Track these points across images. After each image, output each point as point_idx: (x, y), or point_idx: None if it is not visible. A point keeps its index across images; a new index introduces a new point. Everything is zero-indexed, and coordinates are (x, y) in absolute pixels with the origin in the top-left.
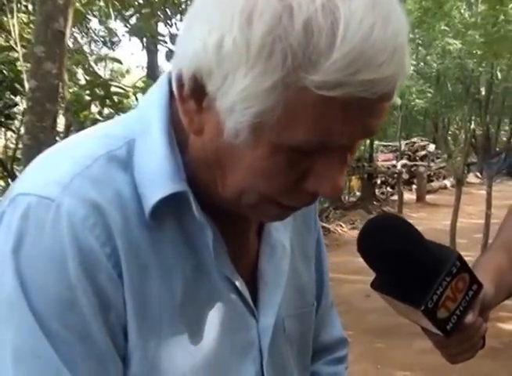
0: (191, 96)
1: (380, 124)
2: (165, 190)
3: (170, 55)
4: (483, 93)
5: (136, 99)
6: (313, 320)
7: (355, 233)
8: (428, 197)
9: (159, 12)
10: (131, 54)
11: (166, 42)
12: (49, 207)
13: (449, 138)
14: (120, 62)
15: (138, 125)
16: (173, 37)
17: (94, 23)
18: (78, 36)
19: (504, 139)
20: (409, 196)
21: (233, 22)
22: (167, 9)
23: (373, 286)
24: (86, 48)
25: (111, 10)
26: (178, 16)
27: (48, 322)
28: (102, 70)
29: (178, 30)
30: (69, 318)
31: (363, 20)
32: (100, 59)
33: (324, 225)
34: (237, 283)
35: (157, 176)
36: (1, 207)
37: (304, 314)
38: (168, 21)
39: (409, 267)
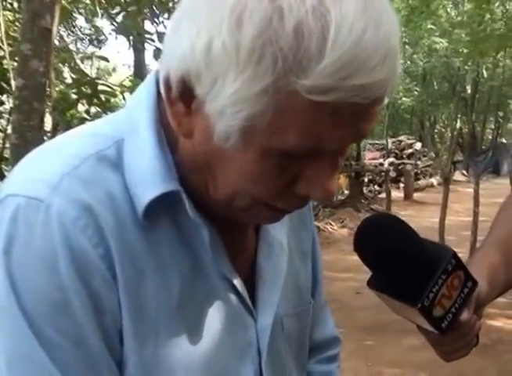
0: (179, 99)
1: (372, 128)
2: (157, 190)
3: (158, 53)
4: (469, 92)
5: (123, 97)
6: (310, 319)
7: (345, 231)
8: (416, 195)
9: (146, 10)
10: (117, 52)
11: (153, 41)
12: (39, 208)
13: (436, 136)
14: (107, 60)
15: (127, 125)
16: (160, 36)
17: (80, 21)
18: (64, 34)
19: (490, 137)
20: (397, 194)
21: (222, 23)
22: (154, 7)
23: (369, 284)
24: (72, 47)
25: (98, 8)
26: (166, 15)
27: (41, 326)
28: (89, 69)
29: (165, 28)
30: (61, 321)
31: (354, 24)
32: (87, 57)
33: (314, 223)
34: (235, 282)
35: (148, 176)
36: None
37: (302, 313)
38: (155, 19)
39: (404, 265)
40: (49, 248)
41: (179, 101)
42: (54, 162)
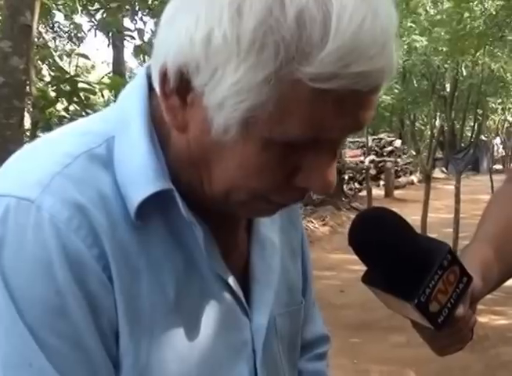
0: (175, 92)
1: (371, 117)
2: (149, 189)
3: (138, 50)
4: (448, 90)
5: (102, 95)
6: (302, 318)
7: (326, 229)
8: (396, 193)
9: (127, 7)
10: (96, 50)
11: (134, 38)
12: (29, 209)
13: (415, 134)
14: (87, 57)
15: (118, 122)
16: (141, 33)
17: (59, 18)
18: (43, 31)
19: (469, 134)
20: (377, 191)
21: (222, 14)
22: (136, 3)
23: (364, 280)
24: (51, 44)
25: (78, 4)
26: (146, 11)
27: (39, 329)
28: (67, 66)
29: (144, 25)
30: (59, 325)
31: (355, 12)
32: (68, 54)
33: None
34: (230, 281)
35: (140, 175)
36: None
37: (293, 312)
38: (135, 16)
39: (400, 261)
40: (43, 251)
41: (174, 94)
42: (45, 161)
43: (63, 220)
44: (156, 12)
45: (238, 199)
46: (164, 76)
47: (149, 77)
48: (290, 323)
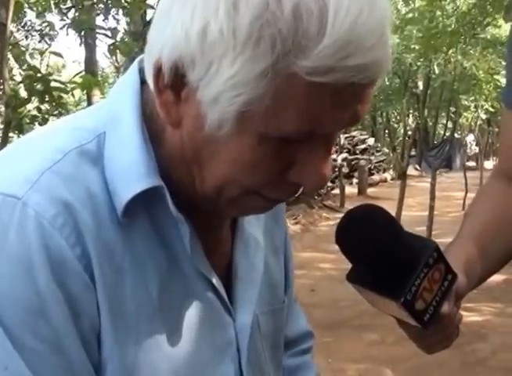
0: (169, 87)
1: (367, 110)
2: (139, 186)
3: (112, 49)
4: (421, 87)
5: (73, 95)
6: (285, 317)
7: (298, 227)
8: (369, 190)
9: (101, 5)
10: (67, 48)
11: (108, 36)
12: (15, 206)
13: (387, 131)
14: (61, 56)
15: (109, 118)
16: (114, 32)
17: (30, 16)
18: (14, 29)
19: (441, 132)
20: (350, 189)
21: (218, 8)
22: (109, 2)
23: (349, 278)
24: (22, 43)
25: (51, 2)
26: (120, 10)
27: (17, 331)
28: (38, 65)
29: (117, 23)
30: (38, 327)
31: (352, 5)
32: (41, 53)
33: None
34: (214, 280)
35: (130, 171)
36: None
37: (276, 311)
38: (108, 14)
39: (386, 259)
40: (25, 251)
41: (169, 89)
42: (35, 156)
43: (48, 217)
44: (129, 11)
45: (230, 195)
46: (158, 71)
47: (141, 72)
48: (273, 321)
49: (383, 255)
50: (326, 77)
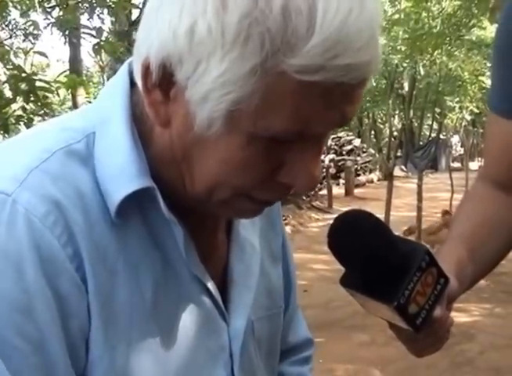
0: (157, 86)
1: (356, 111)
2: (131, 186)
3: (97, 49)
4: (406, 88)
5: (57, 94)
6: (281, 323)
7: (288, 228)
8: (356, 191)
9: (86, 4)
10: (51, 47)
11: (93, 36)
12: (5, 202)
13: (373, 132)
14: (45, 55)
15: (98, 118)
16: (99, 31)
17: (14, 15)
18: None
19: (427, 133)
20: (337, 190)
21: (206, 6)
22: (94, 1)
23: (342, 283)
24: (5, 42)
25: (36, 0)
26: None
27: (1, 329)
28: (22, 64)
29: (102, 22)
30: (23, 325)
31: (341, 4)
32: (26, 52)
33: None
34: (209, 284)
35: (121, 172)
36: None
37: (273, 316)
38: (94, 14)
39: (379, 263)
40: (14, 247)
41: (157, 89)
42: (21, 156)
43: (38, 215)
44: (114, 10)
45: (221, 197)
46: (146, 70)
47: (130, 74)
48: (270, 327)
49: (375, 260)
50: (315, 76)
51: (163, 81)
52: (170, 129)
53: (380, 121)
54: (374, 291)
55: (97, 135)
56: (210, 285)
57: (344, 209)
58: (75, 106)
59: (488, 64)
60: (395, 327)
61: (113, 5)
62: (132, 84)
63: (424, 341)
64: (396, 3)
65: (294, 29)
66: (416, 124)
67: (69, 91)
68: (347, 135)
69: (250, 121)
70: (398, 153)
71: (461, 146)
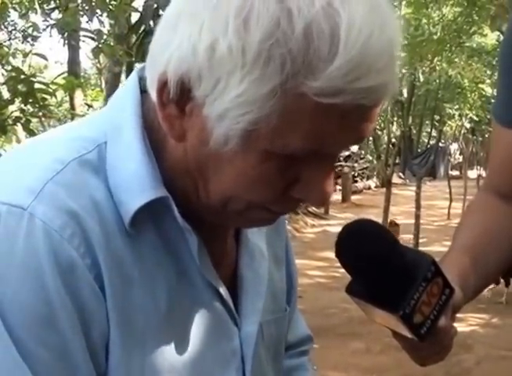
0: (173, 101)
1: (373, 129)
2: (145, 196)
3: (97, 51)
4: (405, 95)
5: (55, 96)
6: (286, 326)
7: None
8: (353, 198)
9: (86, 7)
10: (49, 49)
11: (93, 39)
12: (22, 216)
13: (371, 138)
14: (45, 57)
15: (110, 127)
16: (99, 34)
17: (13, 17)
18: None
19: (426, 140)
20: (334, 196)
21: (228, 25)
22: (94, 4)
23: (348, 291)
24: (4, 43)
25: (36, 2)
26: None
27: (25, 340)
28: (20, 66)
29: (102, 25)
30: (47, 336)
31: (363, 26)
32: (25, 54)
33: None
34: (221, 290)
35: (135, 181)
36: None
37: (279, 319)
38: (93, 16)
39: (385, 273)
40: (34, 260)
41: (172, 103)
42: (34, 167)
43: (56, 228)
44: (114, 14)
45: (236, 208)
46: (163, 85)
47: (141, 82)
48: (276, 330)
49: (381, 269)
50: (335, 99)
51: (180, 97)
52: (185, 142)
53: (378, 127)
54: (380, 300)
55: (108, 144)
56: (222, 290)
57: (341, 216)
58: (73, 107)
59: (489, 72)
60: (399, 335)
61: (112, 8)
62: (142, 91)
63: (428, 351)
64: (396, 9)
65: (316, 50)
66: (414, 131)
67: (67, 93)
68: None
69: (266, 140)
70: (397, 161)
71: (460, 154)
